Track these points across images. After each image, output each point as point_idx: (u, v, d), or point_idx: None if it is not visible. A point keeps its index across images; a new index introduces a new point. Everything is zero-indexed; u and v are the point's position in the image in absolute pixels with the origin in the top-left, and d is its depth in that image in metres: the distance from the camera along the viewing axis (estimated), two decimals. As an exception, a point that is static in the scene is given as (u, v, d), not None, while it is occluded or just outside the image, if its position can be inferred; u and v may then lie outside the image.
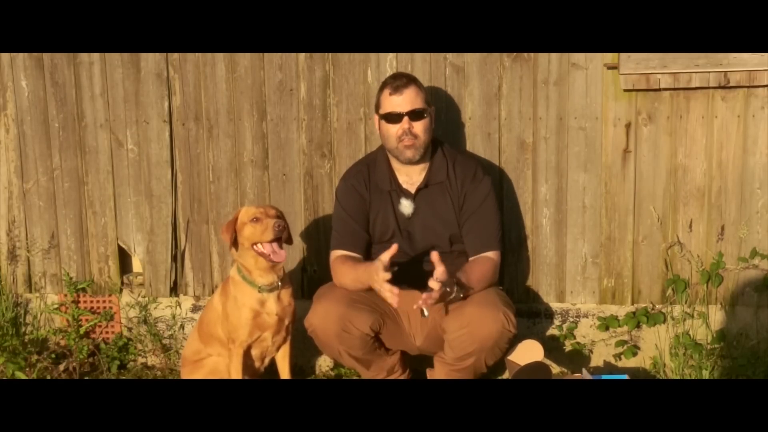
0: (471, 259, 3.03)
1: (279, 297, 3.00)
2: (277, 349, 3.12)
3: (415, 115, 2.96)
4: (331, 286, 3.06)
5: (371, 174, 3.10)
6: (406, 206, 3.07)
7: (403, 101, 2.95)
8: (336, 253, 3.08)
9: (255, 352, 3.07)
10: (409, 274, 3.01)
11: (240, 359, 3.00)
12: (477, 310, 2.83)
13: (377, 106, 3.05)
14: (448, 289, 2.73)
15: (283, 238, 2.94)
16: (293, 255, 3.54)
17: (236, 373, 3.01)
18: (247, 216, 2.94)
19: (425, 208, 3.06)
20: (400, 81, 2.98)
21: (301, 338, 3.21)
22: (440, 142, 3.13)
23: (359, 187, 3.09)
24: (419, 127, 2.97)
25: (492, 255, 3.03)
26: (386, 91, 3.00)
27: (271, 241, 2.90)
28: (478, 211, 3.04)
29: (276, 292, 2.99)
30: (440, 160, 3.07)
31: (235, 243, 2.97)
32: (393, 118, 2.96)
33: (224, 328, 3.03)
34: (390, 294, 2.68)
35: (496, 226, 3.07)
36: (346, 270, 2.99)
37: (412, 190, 3.07)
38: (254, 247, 2.93)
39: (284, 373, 3.15)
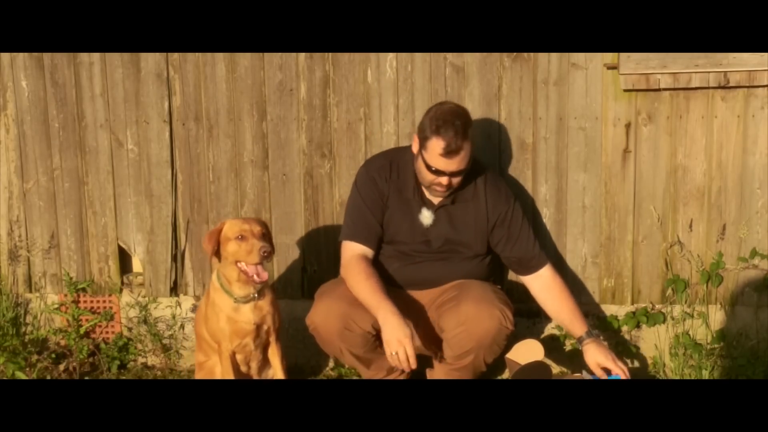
0: (547, 287, 3.05)
1: (257, 305, 2.97)
2: (264, 351, 3.09)
3: (458, 173, 2.90)
4: (334, 283, 3.06)
5: (393, 174, 3.04)
6: (426, 217, 3.03)
7: (451, 164, 2.85)
8: (351, 248, 3.00)
9: (239, 357, 3.05)
10: (421, 273, 3.04)
11: (228, 362, 2.99)
12: (473, 307, 2.84)
13: (422, 142, 2.88)
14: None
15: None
16: (293, 255, 3.54)
17: (227, 377, 3.00)
18: (233, 231, 2.88)
19: (445, 221, 3.04)
20: (455, 144, 2.80)
21: (301, 338, 3.22)
22: (475, 161, 3.06)
23: (380, 182, 3.04)
24: (457, 180, 2.93)
25: (549, 267, 3.07)
26: (437, 147, 2.82)
27: (255, 264, 2.87)
28: (521, 232, 3.07)
29: (253, 302, 2.97)
30: (469, 180, 3.03)
31: (217, 253, 2.92)
32: (435, 172, 2.89)
33: (207, 330, 3.04)
34: (407, 364, 2.74)
35: (535, 240, 3.10)
36: (364, 286, 2.88)
37: (435, 201, 3.03)
38: (237, 264, 2.90)
39: (278, 372, 3.11)
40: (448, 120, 2.83)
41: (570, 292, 3.05)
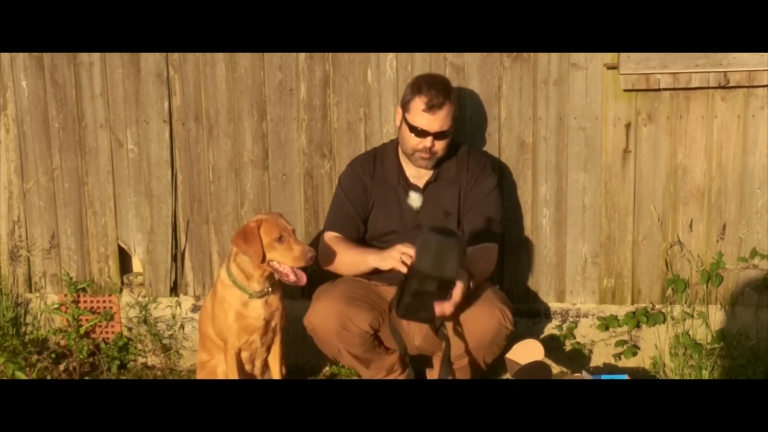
0: (472, 248, 2.96)
1: (267, 301, 2.97)
2: (268, 350, 3.08)
3: (441, 134, 2.95)
4: (330, 284, 3.07)
5: (377, 167, 3.12)
6: (414, 199, 3.08)
7: (434, 121, 2.92)
8: (330, 234, 3.10)
9: (244, 355, 3.03)
10: None
11: (234, 361, 2.98)
12: (473, 307, 2.85)
13: (405, 106, 2.99)
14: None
15: None
16: (293, 255, 3.54)
17: (231, 376, 3.00)
18: (270, 234, 2.82)
19: (434, 200, 3.08)
20: (436, 99, 2.91)
21: (300, 338, 3.21)
22: (456, 142, 3.13)
23: (363, 177, 3.11)
24: (440, 145, 2.98)
25: (493, 246, 3.06)
26: (420, 103, 2.93)
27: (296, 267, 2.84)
28: (482, 203, 3.07)
29: (264, 298, 2.97)
30: (451, 158, 3.09)
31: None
32: (419, 132, 2.95)
33: (214, 327, 3.03)
34: (407, 256, 2.74)
35: (497, 222, 3.09)
36: (348, 249, 3.00)
37: (421, 184, 3.08)
38: (271, 263, 2.86)
39: (275, 373, 3.11)
40: (429, 80, 2.99)
41: (489, 263, 3.02)
